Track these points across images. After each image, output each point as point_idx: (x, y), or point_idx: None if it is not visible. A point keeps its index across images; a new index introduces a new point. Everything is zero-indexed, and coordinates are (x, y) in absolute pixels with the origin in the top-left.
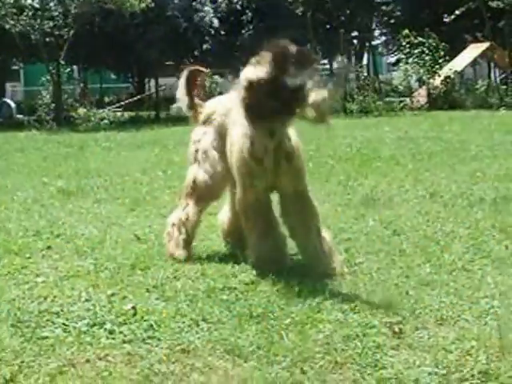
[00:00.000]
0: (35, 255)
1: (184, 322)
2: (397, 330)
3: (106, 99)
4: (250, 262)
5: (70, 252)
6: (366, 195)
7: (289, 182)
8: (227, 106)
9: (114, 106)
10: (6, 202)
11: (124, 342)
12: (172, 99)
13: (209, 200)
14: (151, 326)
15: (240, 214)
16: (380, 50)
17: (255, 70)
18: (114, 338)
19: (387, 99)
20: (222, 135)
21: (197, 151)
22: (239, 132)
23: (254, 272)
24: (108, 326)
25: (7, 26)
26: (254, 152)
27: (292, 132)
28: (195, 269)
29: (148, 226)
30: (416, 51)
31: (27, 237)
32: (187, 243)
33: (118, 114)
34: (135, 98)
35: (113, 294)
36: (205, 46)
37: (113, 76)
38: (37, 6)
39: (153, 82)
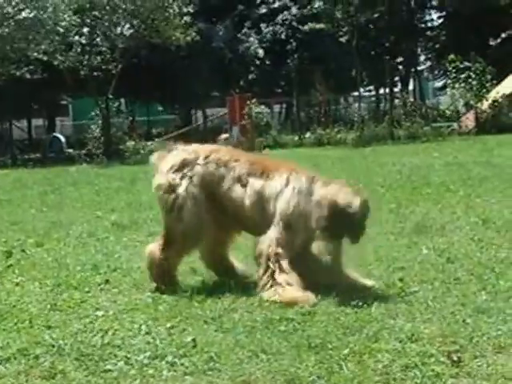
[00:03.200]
0: (94, 289)
1: (243, 354)
2: (455, 358)
3: (154, 131)
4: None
5: (127, 285)
6: (418, 223)
7: None
8: (216, 156)
9: (162, 139)
10: (62, 236)
11: (186, 374)
12: (219, 130)
13: (188, 251)
14: (211, 357)
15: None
16: (426, 75)
17: None
18: (175, 371)
19: (434, 124)
20: (207, 184)
21: (175, 200)
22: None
23: (309, 302)
24: (169, 358)
25: (56, 62)
26: None
27: None
28: (251, 300)
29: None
30: (463, 76)
31: (85, 271)
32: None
33: None
34: (183, 130)
35: (172, 327)
36: (250, 76)
37: (160, 108)
38: (84, 42)
39: (199, 113)
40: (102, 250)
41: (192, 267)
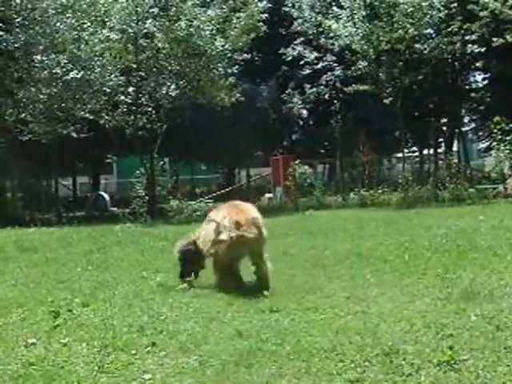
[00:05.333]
0: (141, 351)
1: None
2: None
3: (197, 190)
4: None
5: (174, 348)
6: (466, 289)
7: None
8: None
9: (206, 198)
10: (108, 297)
11: None
12: (262, 189)
13: None
14: None
15: None
16: (470, 136)
17: None
18: None
19: (479, 186)
20: None
21: None
22: None
23: (358, 369)
24: None
25: (102, 122)
26: None
27: None
28: (299, 366)
29: (249, 322)
30: (508, 138)
31: (131, 333)
32: None
33: (210, 205)
34: (227, 189)
35: None
36: (294, 137)
37: (203, 167)
38: (130, 101)
39: (242, 172)
40: (148, 311)
41: (237, 330)
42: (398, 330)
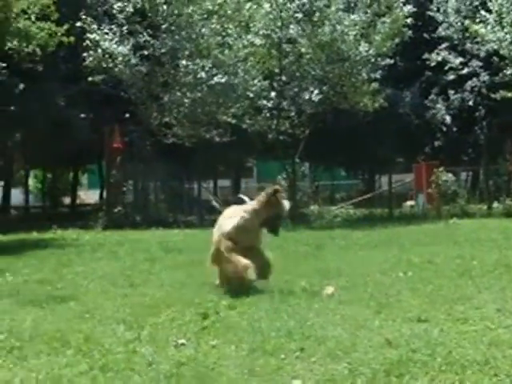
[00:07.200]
0: (289, 356)
1: None
2: None
3: (337, 196)
4: None
5: (322, 354)
6: None
7: None
8: None
9: (347, 203)
10: (253, 300)
11: None
12: (403, 196)
13: None
14: None
15: None
16: None
17: None
18: None
19: None
20: None
21: None
22: None
23: None
24: None
25: (244, 126)
26: None
27: None
28: (451, 378)
29: (397, 331)
30: None
31: (279, 337)
32: None
33: (351, 211)
34: (367, 196)
35: None
36: (436, 143)
37: (343, 173)
38: (271, 106)
39: (383, 179)
40: (295, 316)
41: (386, 338)
42: None
